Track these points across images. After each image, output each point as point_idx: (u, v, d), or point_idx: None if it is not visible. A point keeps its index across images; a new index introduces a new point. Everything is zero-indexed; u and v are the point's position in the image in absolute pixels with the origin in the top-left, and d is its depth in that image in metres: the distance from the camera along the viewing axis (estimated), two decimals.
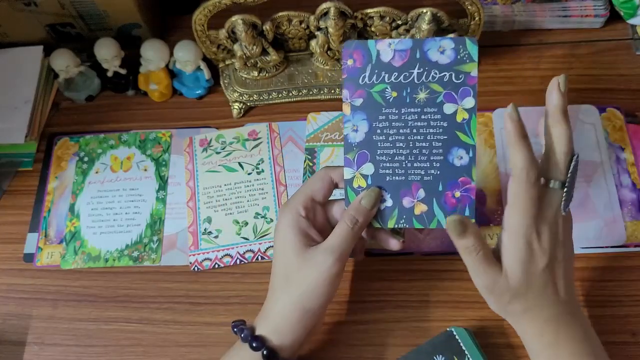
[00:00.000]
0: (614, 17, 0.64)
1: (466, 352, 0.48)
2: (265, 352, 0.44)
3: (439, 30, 0.58)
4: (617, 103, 0.60)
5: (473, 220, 0.43)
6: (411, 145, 0.44)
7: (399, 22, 0.58)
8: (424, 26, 0.56)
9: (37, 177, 0.62)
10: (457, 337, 0.48)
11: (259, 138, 0.62)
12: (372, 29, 0.60)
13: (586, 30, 0.65)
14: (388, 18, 0.58)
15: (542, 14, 0.64)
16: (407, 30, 0.59)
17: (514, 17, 0.65)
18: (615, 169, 0.57)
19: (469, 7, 0.56)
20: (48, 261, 0.58)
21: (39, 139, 0.65)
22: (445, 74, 0.43)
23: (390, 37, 0.61)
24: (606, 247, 0.54)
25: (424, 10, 0.56)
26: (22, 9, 0.63)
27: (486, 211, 0.56)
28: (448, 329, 0.49)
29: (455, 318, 0.52)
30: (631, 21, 0.63)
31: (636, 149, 0.58)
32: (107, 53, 0.64)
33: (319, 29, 0.59)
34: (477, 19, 0.57)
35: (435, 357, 0.48)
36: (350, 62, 0.45)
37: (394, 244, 0.47)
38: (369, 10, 0.58)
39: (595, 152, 0.58)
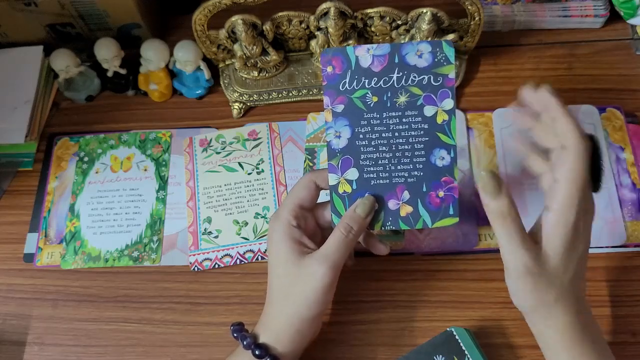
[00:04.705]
0: (614, 17, 0.64)
1: (466, 352, 0.48)
2: None
3: (439, 30, 0.58)
4: (617, 103, 0.60)
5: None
6: (394, 148, 0.45)
7: (399, 22, 0.58)
8: (424, 26, 0.56)
9: (37, 177, 0.62)
10: (457, 337, 0.48)
11: (259, 138, 0.62)
12: (372, 29, 0.60)
13: (586, 30, 0.65)
14: (388, 18, 0.58)
15: (542, 14, 0.64)
16: (407, 30, 0.59)
17: (514, 17, 0.65)
18: (615, 169, 0.57)
19: (469, 7, 0.56)
20: (48, 261, 0.58)
21: (39, 139, 0.65)
22: (424, 77, 0.44)
23: (391, 37, 0.61)
24: (606, 247, 0.54)
25: (424, 10, 0.56)
26: (22, 9, 0.63)
27: None
28: (448, 329, 0.49)
29: (455, 318, 0.52)
30: (631, 21, 0.63)
31: (636, 149, 0.58)
32: (107, 53, 0.64)
33: (319, 29, 0.59)
34: (477, 19, 0.57)
35: (435, 357, 0.48)
36: (329, 69, 0.45)
37: (382, 249, 0.48)
38: (369, 10, 0.58)
39: None
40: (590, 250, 0.53)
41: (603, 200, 0.55)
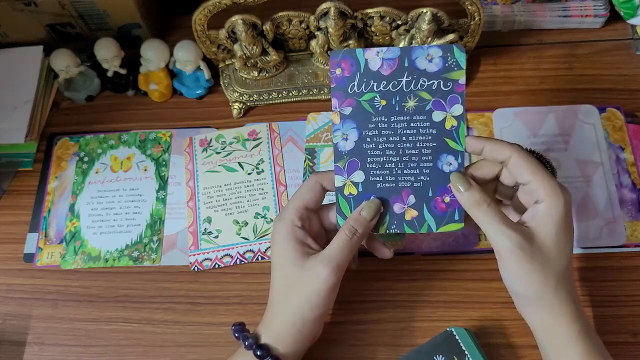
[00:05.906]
0: (614, 17, 0.64)
1: (466, 352, 0.48)
2: None
3: (439, 30, 0.58)
4: (617, 103, 0.60)
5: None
6: (401, 152, 0.45)
7: (399, 22, 0.58)
8: (424, 26, 0.56)
9: (37, 177, 0.62)
10: (457, 337, 0.48)
11: (259, 138, 0.62)
12: (372, 29, 0.60)
13: (586, 30, 0.65)
14: (388, 18, 0.58)
15: (542, 14, 0.64)
16: (407, 30, 0.59)
17: (514, 17, 0.65)
18: (615, 169, 0.57)
19: (469, 7, 0.56)
20: (48, 261, 0.58)
21: (39, 139, 0.65)
22: (434, 82, 0.44)
23: (391, 37, 0.61)
24: (606, 247, 0.54)
25: (424, 10, 0.56)
26: (22, 9, 0.63)
27: None
28: (448, 329, 0.49)
29: (455, 318, 0.52)
30: (631, 21, 0.63)
31: (636, 149, 0.58)
32: (107, 53, 0.64)
33: (319, 29, 0.59)
34: (477, 19, 0.57)
35: (435, 357, 0.48)
36: (338, 71, 0.45)
37: (386, 253, 0.48)
38: (369, 10, 0.58)
39: (595, 152, 0.58)
40: (590, 251, 0.54)
41: (603, 200, 0.55)
